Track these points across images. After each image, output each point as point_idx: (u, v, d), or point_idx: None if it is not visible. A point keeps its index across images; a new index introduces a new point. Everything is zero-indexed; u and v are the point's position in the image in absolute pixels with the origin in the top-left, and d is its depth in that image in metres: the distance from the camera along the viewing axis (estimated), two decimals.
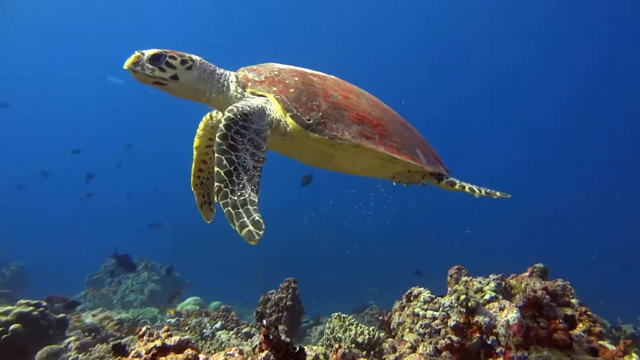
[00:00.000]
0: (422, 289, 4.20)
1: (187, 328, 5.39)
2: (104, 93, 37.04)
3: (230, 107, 2.06)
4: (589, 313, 2.46)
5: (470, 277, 3.98)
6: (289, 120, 2.16)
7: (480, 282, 3.83)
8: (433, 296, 3.98)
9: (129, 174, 27.66)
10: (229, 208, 1.76)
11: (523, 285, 3.46)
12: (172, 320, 7.15)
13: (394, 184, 3.25)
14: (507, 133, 34.76)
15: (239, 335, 5.07)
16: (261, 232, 1.71)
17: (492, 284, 3.65)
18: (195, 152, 2.82)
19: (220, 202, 1.78)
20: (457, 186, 2.80)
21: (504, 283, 3.72)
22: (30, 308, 4.76)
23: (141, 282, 12.60)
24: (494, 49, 32.87)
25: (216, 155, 1.86)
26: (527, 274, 3.54)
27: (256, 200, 1.80)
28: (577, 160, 32.09)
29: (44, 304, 5.02)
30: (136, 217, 23.47)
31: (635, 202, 25.55)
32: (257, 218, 1.73)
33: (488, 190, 2.84)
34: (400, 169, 2.72)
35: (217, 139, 1.91)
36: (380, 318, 4.45)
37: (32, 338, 4.56)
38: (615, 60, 29.83)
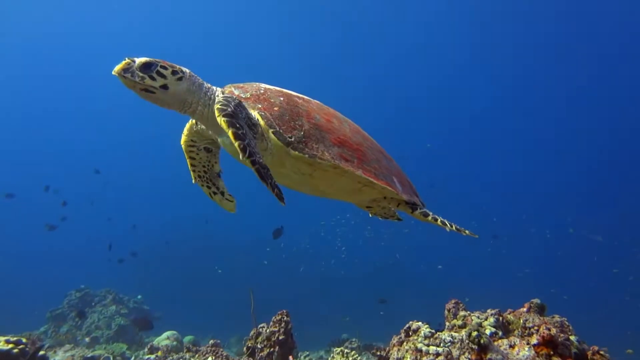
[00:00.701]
0: (420, 323, 4.28)
1: None
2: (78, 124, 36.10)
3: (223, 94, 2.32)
4: (601, 352, 2.61)
5: (469, 312, 4.13)
6: (271, 137, 2.27)
7: (478, 317, 3.98)
8: (433, 331, 4.07)
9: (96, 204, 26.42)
10: (258, 167, 1.98)
11: (521, 321, 3.63)
12: (152, 357, 6.85)
13: (370, 215, 3.39)
14: (478, 164, 36.13)
15: None
16: (282, 194, 2.02)
17: (491, 319, 3.80)
18: (183, 148, 2.89)
19: (249, 160, 1.98)
20: (429, 218, 2.98)
21: (501, 318, 3.88)
22: (10, 346, 4.48)
23: (108, 316, 11.95)
24: (468, 79, 34.54)
25: (224, 119, 2.06)
26: (525, 309, 3.72)
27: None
28: (544, 194, 33.51)
29: (24, 340, 4.73)
30: (101, 248, 22.45)
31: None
32: (275, 182, 2.03)
33: (458, 226, 3.02)
34: (377, 195, 2.85)
35: (218, 106, 2.13)
36: (378, 353, 4.48)
37: None
38: (592, 92, 32.12)
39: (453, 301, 4.29)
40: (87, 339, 10.94)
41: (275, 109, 2.33)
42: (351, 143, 2.52)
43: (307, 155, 2.25)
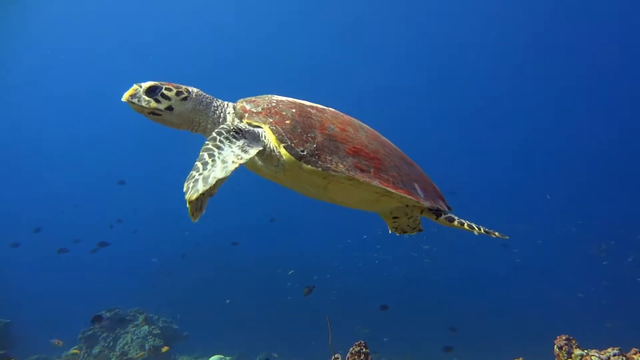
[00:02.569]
0: None
1: None
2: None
3: (227, 122, 2.32)
4: None
5: (586, 351, 3.89)
6: (283, 151, 2.21)
7: (599, 357, 3.75)
8: None
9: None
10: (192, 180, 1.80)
11: None
12: None
13: (390, 232, 3.11)
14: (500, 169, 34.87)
15: None
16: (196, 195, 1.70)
17: None
18: None
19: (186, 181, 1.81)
20: (455, 222, 2.77)
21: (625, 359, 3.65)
22: None
23: (142, 336, 11.72)
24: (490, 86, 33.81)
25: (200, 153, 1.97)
26: None
27: (220, 177, 1.78)
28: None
29: None
30: (131, 265, 22.24)
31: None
32: (205, 187, 1.73)
33: (487, 229, 2.83)
34: (397, 204, 2.71)
35: (205, 141, 2.05)
36: None
37: None
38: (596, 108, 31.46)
39: (564, 337, 4.06)
40: None
41: (287, 122, 2.29)
42: (367, 152, 2.42)
43: (320, 169, 2.19)
